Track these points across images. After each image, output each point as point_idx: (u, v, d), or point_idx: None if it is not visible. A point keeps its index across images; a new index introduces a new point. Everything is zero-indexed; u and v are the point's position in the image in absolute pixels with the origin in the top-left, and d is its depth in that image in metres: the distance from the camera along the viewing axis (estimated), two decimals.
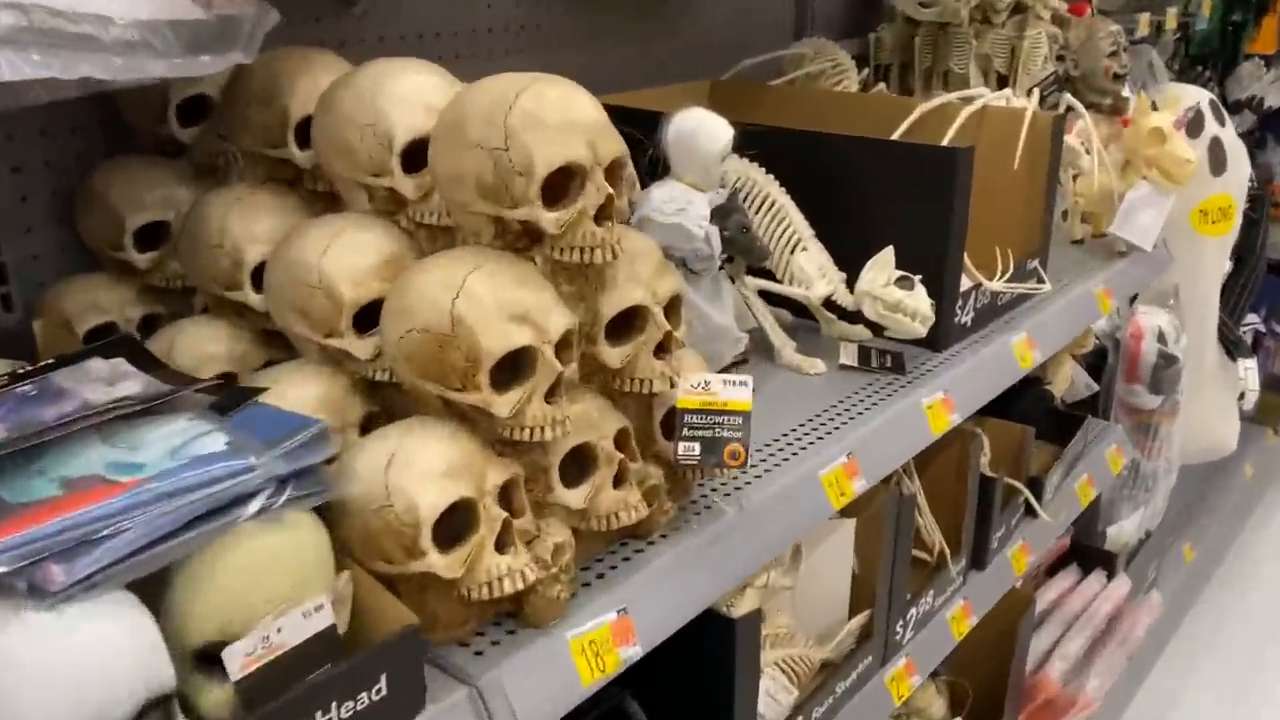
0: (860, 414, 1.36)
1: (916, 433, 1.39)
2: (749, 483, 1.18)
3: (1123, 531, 2.57)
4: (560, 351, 0.92)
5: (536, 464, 0.94)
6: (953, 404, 1.45)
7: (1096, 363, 2.45)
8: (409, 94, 0.99)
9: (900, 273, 1.44)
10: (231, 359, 1.11)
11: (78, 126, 1.34)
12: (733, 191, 1.38)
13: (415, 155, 1.00)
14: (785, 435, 1.29)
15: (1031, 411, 2.11)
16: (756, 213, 1.52)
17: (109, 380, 0.85)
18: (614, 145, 0.92)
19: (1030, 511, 1.94)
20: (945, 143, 1.60)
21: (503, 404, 0.87)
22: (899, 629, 1.56)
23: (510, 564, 0.87)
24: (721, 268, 1.42)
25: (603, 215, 0.92)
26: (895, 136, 1.67)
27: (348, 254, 0.98)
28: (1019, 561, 1.89)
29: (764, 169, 1.53)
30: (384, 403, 1.04)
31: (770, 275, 1.51)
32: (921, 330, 1.41)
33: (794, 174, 1.51)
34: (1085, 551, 2.55)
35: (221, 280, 1.11)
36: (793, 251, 1.50)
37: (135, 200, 1.24)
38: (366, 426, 1.01)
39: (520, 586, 0.87)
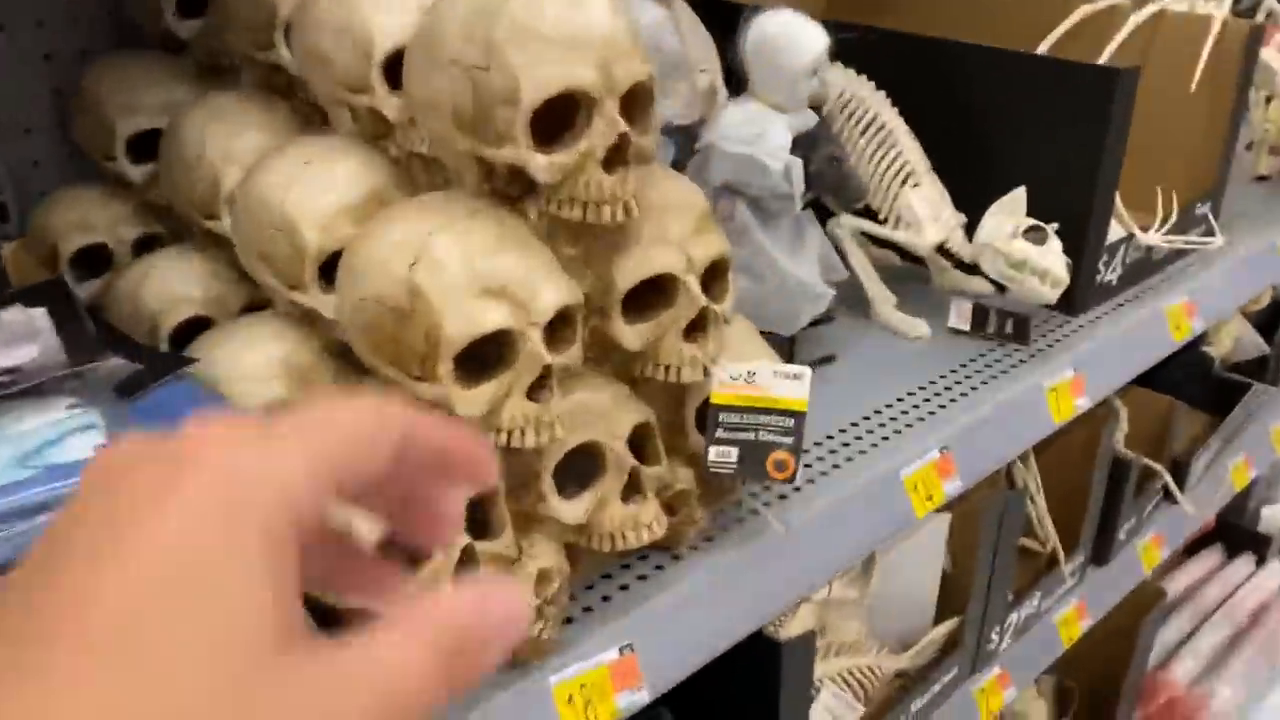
0: (965, 395, 1.12)
1: (1033, 421, 1.15)
2: (811, 481, 0.97)
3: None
4: (556, 333, 0.72)
5: (525, 467, 0.76)
6: (1083, 385, 1.20)
7: (1270, 319, 2.10)
8: None
9: (1031, 221, 1.18)
10: (207, 302, 0.96)
11: (79, 17, 1.19)
12: (824, 116, 1.14)
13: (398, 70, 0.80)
14: (866, 418, 1.08)
15: (1183, 377, 1.81)
16: (861, 136, 1.27)
17: (7, 340, 0.70)
18: (634, 67, 0.71)
19: (1169, 497, 1.68)
20: (1106, 58, 1.30)
21: (469, 401, 0.68)
22: (994, 636, 1.35)
23: None
24: (807, 206, 1.18)
25: (615, 159, 0.71)
26: (1043, 48, 1.37)
27: (315, 189, 0.80)
28: (1149, 556, 1.64)
29: (873, 83, 1.27)
30: (363, 373, 0.86)
31: (873, 214, 1.27)
32: (1051, 295, 1.16)
33: (910, 91, 1.25)
34: (1233, 531, 2.25)
35: (198, 205, 0.96)
36: (902, 186, 1.25)
37: (128, 103, 1.08)
38: None
39: None
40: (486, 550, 0.71)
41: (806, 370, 0.80)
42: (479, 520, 0.73)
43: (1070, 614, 1.49)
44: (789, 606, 0.92)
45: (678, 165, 1.15)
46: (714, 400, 0.80)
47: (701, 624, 0.85)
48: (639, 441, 0.81)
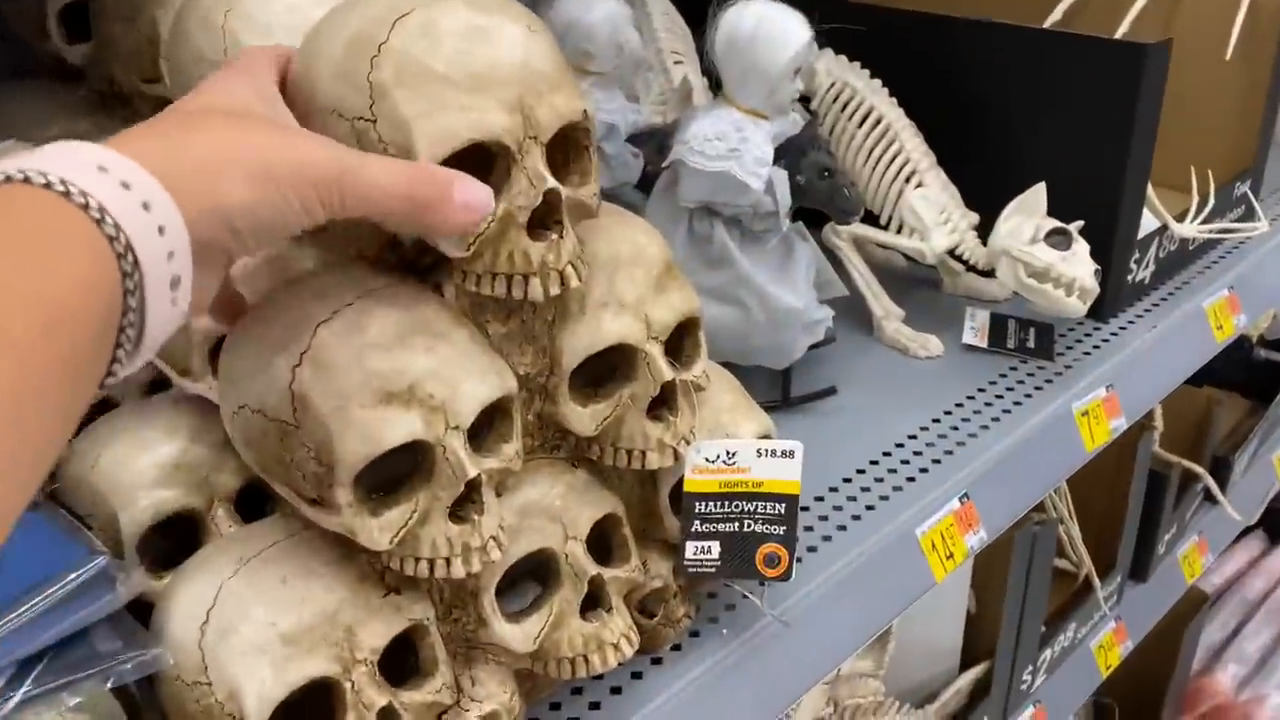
0: (985, 428, 1.00)
1: (1064, 451, 1.03)
2: (812, 548, 0.85)
3: None
4: (489, 429, 0.60)
5: (462, 586, 0.64)
6: (1118, 404, 1.07)
7: None
8: (276, 15, 0.66)
9: (1053, 222, 1.05)
10: None
11: None
12: (812, 113, 1.00)
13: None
14: (874, 462, 0.95)
15: (1220, 362, 1.68)
16: (856, 132, 1.14)
17: None
18: (562, 104, 0.58)
19: (1211, 498, 1.55)
20: (1124, 31, 1.16)
21: (377, 531, 0.56)
22: (1026, 676, 1.24)
23: None
24: (798, 217, 1.06)
25: (545, 220, 0.58)
26: (1050, 23, 1.23)
27: None
28: (1192, 564, 1.52)
29: (867, 71, 1.14)
30: None
31: (874, 218, 1.14)
32: (1079, 308, 1.03)
33: (910, 78, 1.12)
34: (1274, 517, 2.12)
35: None
36: (905, 187, 1.12)
37: (19, 138, 0.96)
38: (248, 501, 0.72)
39: None
40: (412, 702, 0.59)
41: (798, 446, 0.68)
42: (404, 659, 0.61)
43: (1108, 638, 1.37)
44: (793, 701, 0.80)
45: (647, 178, 1.02)
46: (688, 488, 0.68)
47: None
48: (604, 536, 0.69)
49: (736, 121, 0.91)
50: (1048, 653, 1.26)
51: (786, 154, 0.94)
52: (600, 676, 0.74)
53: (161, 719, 0.58)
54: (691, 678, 0.74)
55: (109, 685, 0.51)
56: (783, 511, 0.68)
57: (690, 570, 0.68)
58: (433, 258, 0.60)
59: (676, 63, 1.26)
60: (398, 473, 0.58)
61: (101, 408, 0.80)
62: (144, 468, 0.69)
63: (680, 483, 0.71)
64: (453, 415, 0.57)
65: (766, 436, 0.75)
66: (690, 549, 0.68)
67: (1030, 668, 1.24)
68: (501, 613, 0.64)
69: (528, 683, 0.70)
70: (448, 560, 0.57)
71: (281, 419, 0.56)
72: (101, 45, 0.88)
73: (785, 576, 0.69)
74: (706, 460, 0.68)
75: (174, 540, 0.71)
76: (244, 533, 0.64)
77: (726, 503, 0.68)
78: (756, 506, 0.68)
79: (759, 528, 0.68)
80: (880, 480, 0.93)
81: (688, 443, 0.68)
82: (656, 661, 0.75)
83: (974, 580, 1.18)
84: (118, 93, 0.95)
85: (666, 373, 0.65)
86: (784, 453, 0.69)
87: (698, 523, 0.68)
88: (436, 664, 0.61)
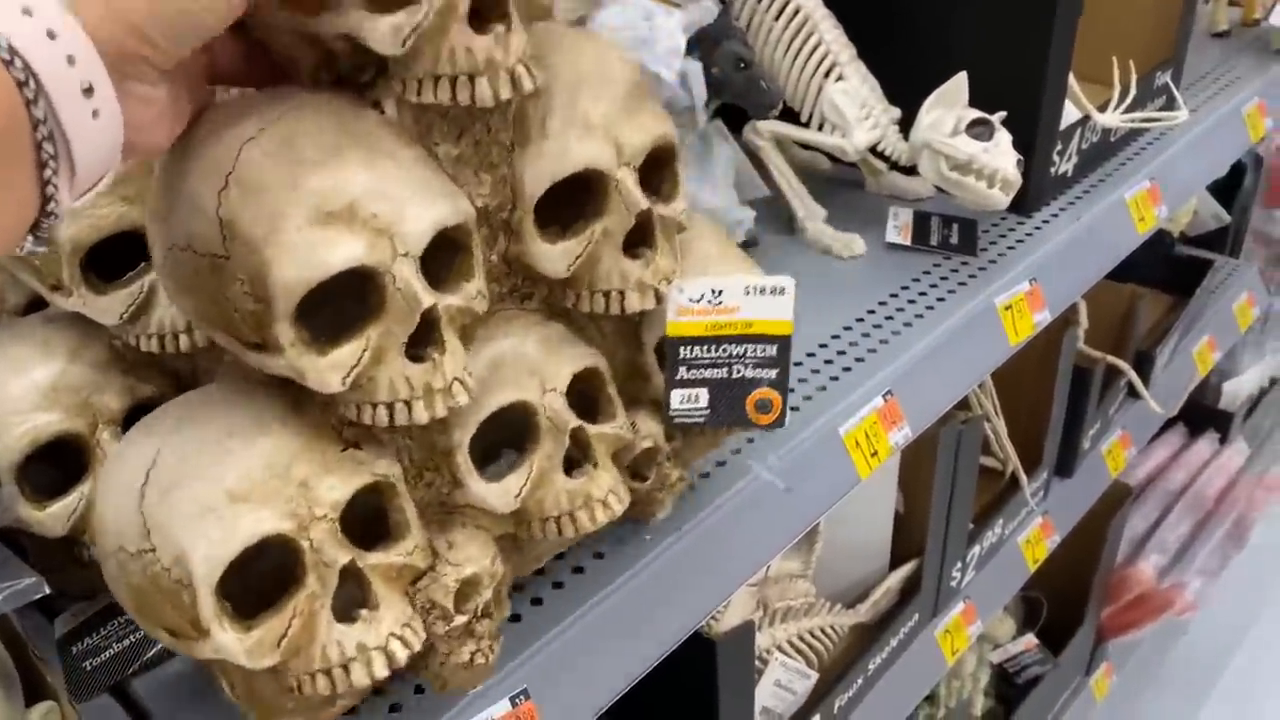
0: (908, 325, 0.99)
1: (988, 346, 1.03)
2: (736, 450, 0.84)
3: (1242, 387, 2.18)
4: (446, 264, 0.56)
5: (432, 444, 0.61)
6: (1041, 297, 1.08)
7: (1228, 186, 1.99)
8: None
9: (975, 113, 1.04)
10: None
11: None
12: (724, 7, 0.97)
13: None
14: (797, 364, 0.94)
15: (1141, 258, 1.70)
16: (774, 24, 1.10)
17: None
18: None
19: (1134, 393, 1.58)
20: None
21: (327, 369, 0.53)
22: (955, 574, 1.26)
23: (363, 638, 0.55)
24: (715, 116, 1.03)
25: (489, 13, 0.53)
26: None
27: None
28: (1116, 458, 1.55)
29: None
30: (176, 373, 0.71)
31: (794, 115, 1.11)
32: (1002, 200, 1.02)
33: None
34: (1195, 409, 2.18)
35: None
36: (824, 81, 1.09)
37: None
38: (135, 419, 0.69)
39: (382, 674, 0.56)
40: (380, 564, 0.56)
41: (789, 281, 0.65)
42: (374, 528, 0.58)
43: (1035, 533, 1.40)
44: (719, 603, 0.79)
45: None
46: (671, 332, 0.65)
47: (625, 637, 0.72)
48: (587, 394, 0.66)
49: (646, 8, 0.87)
50: (976, 549, 1.28)
51: (701, 45, 0.91)
52: (562, 556, 0.73)
53: (52, 646, 0.55)
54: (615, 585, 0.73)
55: None
56: (774, 354, 0.65)
57: (676, 420, 0.65)
58: (371, 74, 0.55)
59: None
60: (349, 318, 0.53)
61: None
62: (18, 392, 0.66)
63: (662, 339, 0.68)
64: (400, 239, 0.52)
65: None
66: (676, 398, 0.65)
67: (959, 564, 1.26)
68: (480, 471, 0.61)
69: (514, 555, 0.67)
70: (408, 404, 0.54)
71: (211, 251, 0.51)
72: None
73: (779, 423, 0.67)
74: (691, 301, 0.65)
75: (60, 467, 0.67)
76: (187, 395, 0.59)
77: (714, 347, 0.65)
78: (746, 349, 0.65)
79: (749, 372, 0.65)
80: (803, 381, 0.93)
81: (669, 282, 0.64)
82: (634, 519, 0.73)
83: (901, 480, 1.19)
84: None
85: (641, 201, 0.61)
86: (774, 290, 0.65)
87: (683, 369, 0.65)
88: (407, 525, 0.58)
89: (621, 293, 0.63)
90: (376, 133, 0.54)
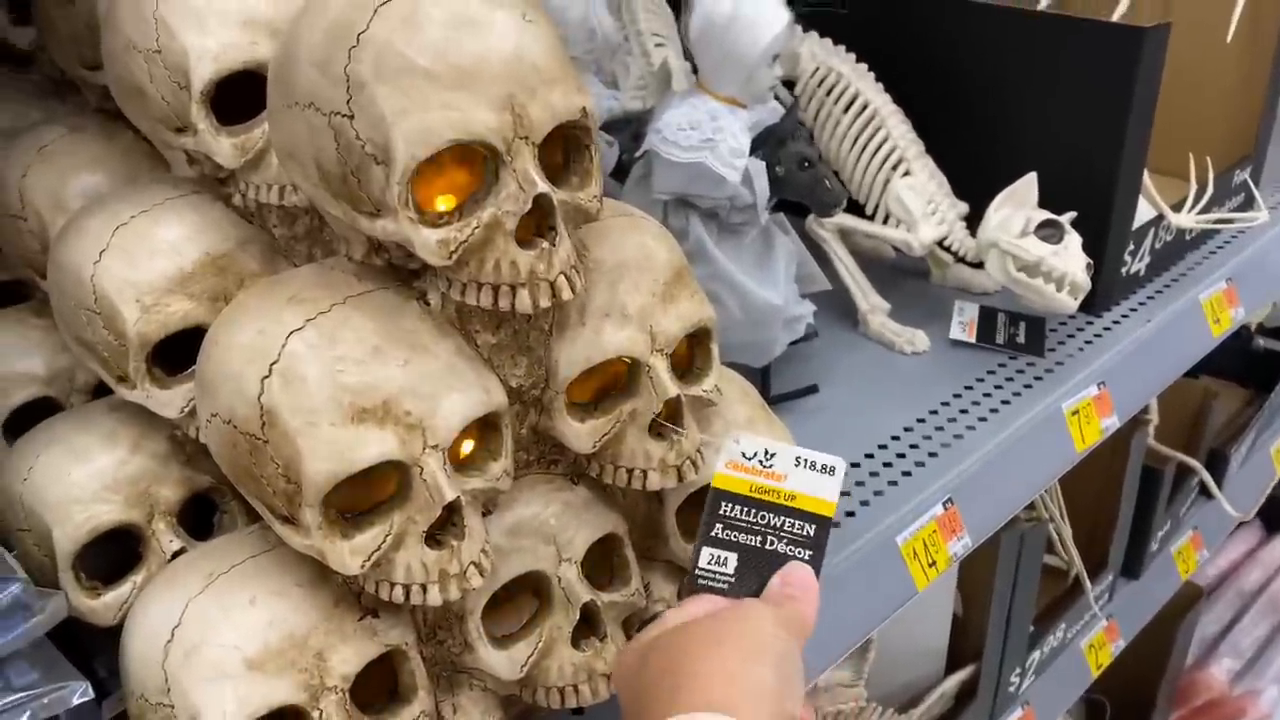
0: (971, 428, 0.98)
1: (1053, 452, 1.01)
2: None
3: None
4: (478, 443, 0.59)
5: (445, 607, 0.61)
6: (1110, 402, 1.05)
7: None
8: (209, 0, 0.62)
9: (1044, 214, 1.02)
10: (50, 378, 0.80)
11: None
12: (795, 99, 0.97)
13: (238, 94, 0.64)
14: (855, 465, 0.93)
15: (1217, 351, 1.66)
16: (841, 118, 1.10)
17: None
18: (558, 100, 0.55)
19: (1207, 491, 1.53)
20: (1121, 13, 1.13)
21: (348, 554, 0.55)
22: (1014, 679, 1.21)
23: None
24: (778, 208, 1.02)
25: (536, 227, 0.55)
26: (1045, 5, 1.19)
27: (136, 258, 0.65)
28: (1187, 560, 1.50)
29: (853, 55, 1.10)
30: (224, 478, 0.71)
31: (860, 208, 1.11)
32: (1071, 304, 1.00)
33: (898, 63, 1.09)
34: (1272, 507, 2.09)
35: (29, 262, 0.80)
36: (891, 175, 1.09)
37: None
38: (195, 513, 0.69)
39: None
40: None
41: (841, 462, 0.64)
42: (384, 682, 0.58)
43: (1099, 638, 1.36)
44: None
45: (621, 169, 0.99)
46: (717, 483, 0.64)
47: None
48: (604, 557, 0.67)
49: (712, 110, 0.88)
50: (1036, 654, 1.24)
51: (765, 144, 0.91)
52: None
53: None
54: None
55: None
56: (812, 533, 0.63)
57: (700, 582, 0.62)
58: (420, 262, 0.57)
59: (658, 45, 1.23)
60: (377, 493, 0.56)
61: (46, 411, 0.77)
62: (80, 480, 0.67)
63: (692, 497, 0.68)
64: (431, 433, 0.55)
65: None
66: (705, 556, 0.63)
67: (1018, 669, 1.22)
68: (490, 636, 0.62)
69: (518, 706, 0.68)
70: (424, 587, 0.56)
71: (251, 432, 0.54)
72: (44, 30, 0.84)
73: None
74: (744, 456, 0.64)
75: (116, 554, 0.68)
76: (218, 545, 0.62)
77: (754, 511, 0.63)
78: (785, 522, 0.63)
79: (783, 547, 0.63)
80: (861, 484, 0.91)
81: (694, 464, 0.65)
82: None
83: (960, 581, 1.16)
84: (67, 79, 0.92)
85: (671, 389, 0.63)
86: (825, 467, 0.64)
87: (719, 527, 0.63)
88: (416, 690, 0.60)
89: (645, 471, 0.65)
90: (417, 328, 0.57)
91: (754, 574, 0.63)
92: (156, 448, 0.69)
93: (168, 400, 0.66)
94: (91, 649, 0.67)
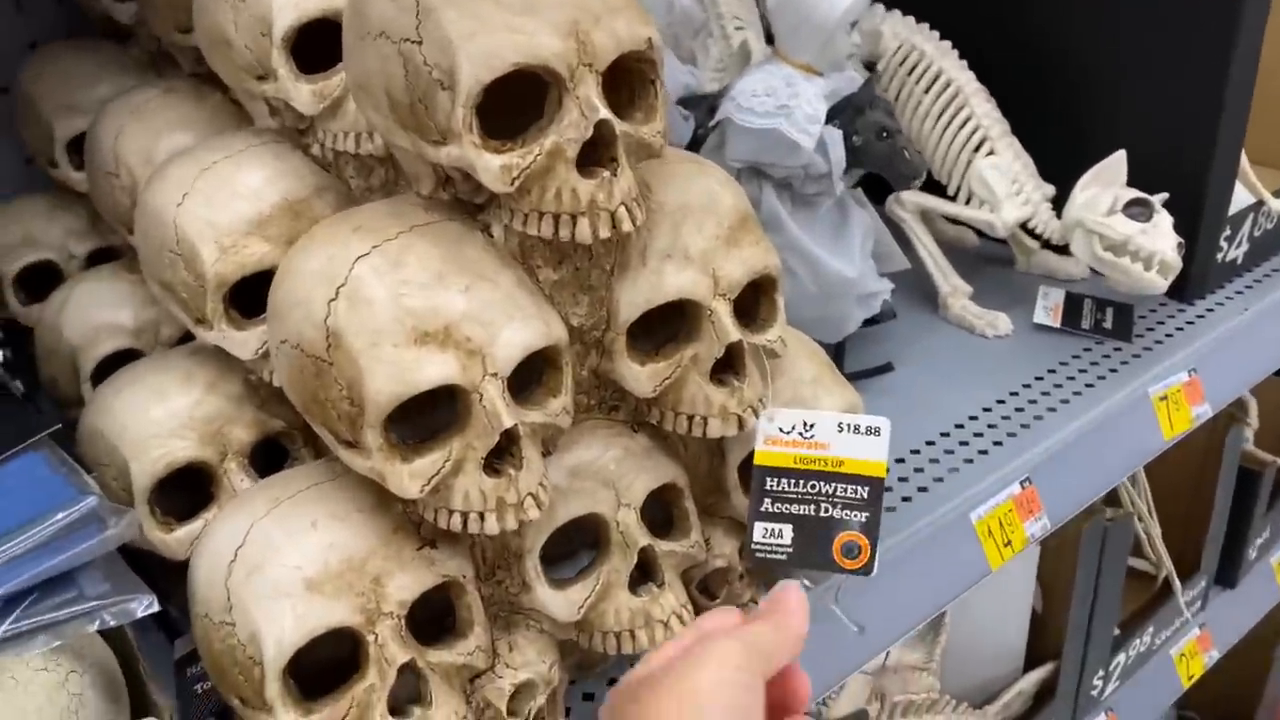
0: (1052, 410, 0.94)
1: (1139, 439, 0.97)
2: None
3: None
4: (538, 380, 0.59)
5: (505, 545, 0.61)
6: (1201, 390, 1.00)
7: None
8: None
9: (1133, 192, 0.99)
10: (137, 331, 0.83)
11: (25, 5, 1.08)
12: (876, 75, 0.95)
13: (318, 45, 0.66)
14: (930, 443, 0.91)
15: None
16: (924, 97, 1.09)
17: None
18: (624, 30, 0.55)
19: None
20: None
21: (407, 477, 0.55)
22: (1096, 681, 1.17)
23: None
24: (859, 184, 1.01)
25: (598, 156, 0.55)
26: None
27: (213, 202, 0.67)
28: None
29: (936, 33, 1.08)
30: (295, 421, 0.73)
31: (941, 188, 1.09)
32: (1160, 284, 0.96)
33: (982, 40, 1.06)
34: None
35: (121, 218, 0.83)
36: (974, 155, 1.06)
37: (66, 102, 0.97)
38: (267, 455, 0.71)
39: None
40: (440, 662, 0.57)
41: (885, 423, 0.63)
42: (443, 616, 0.59)
43: (1191, 646, 1.29)
44: (832, 687, 0.75)
45: (696, 143, 0.98)
46: (758, 461, 0.64)
47: None
48: (663, 507, 0.67)
49: (788, 76, 0.87)
50: (1121, 657, 1.19)
51: (842, 113, 0.90)
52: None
53: (167, 666, 0.57)
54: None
55: (93, 629, 0.50)
56: (866, 495, 0.62)
57: (758, 555, 0.63)
58: (485, 196, 0.58)
59: (738, 28, 1.22)
60: (438, 422, 0.56)
61: (128, 357, 0.80)
62: (158, 417, 0.68)
63: (750, 456, 0.67)
64: (491, 361, 0.55)
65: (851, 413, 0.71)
66: (759, 530, 0.63)
67: (1101, 672, 1.17)
68: (547, 579, 0.62)
69: (575, 654, 0.68)
70: (481, 515, 0.55)
71: (316, 355, 0.55)
72: (142, 1, 0.87)
73: (866, 570, 0.63)
74: (781, 431, 0.63)
75: (191, 495, 0.70)
76: (286, 474, 0.63)
77: (802, 481, 0.63)
78: (836, 488, 0.63)
79: (838, 512, 0.62)
80: (935, 461, 0.89)
81: (755, 412, 0.64)
82: None
83: (1040, 576, 1.12)
84: (164, 50, 0.95)
85: (733, 333, 0.62)
86: (869, 429, 0.63)
87: (768, 501, 0.63)
88: (472, 625, 0.60)
89: (705, 418, 0.64)
90: (480, 258, 0.57)
91: (813, 541, 0.62)
92: (231, 389, 0.70)
93: (243, 341, 0.67)
94: (167, 592, 0.69)
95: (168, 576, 0.70)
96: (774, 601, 0.53)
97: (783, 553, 0.63)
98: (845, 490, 0.63)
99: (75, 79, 0.97)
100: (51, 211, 1.00)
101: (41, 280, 0.97)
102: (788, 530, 0.63)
